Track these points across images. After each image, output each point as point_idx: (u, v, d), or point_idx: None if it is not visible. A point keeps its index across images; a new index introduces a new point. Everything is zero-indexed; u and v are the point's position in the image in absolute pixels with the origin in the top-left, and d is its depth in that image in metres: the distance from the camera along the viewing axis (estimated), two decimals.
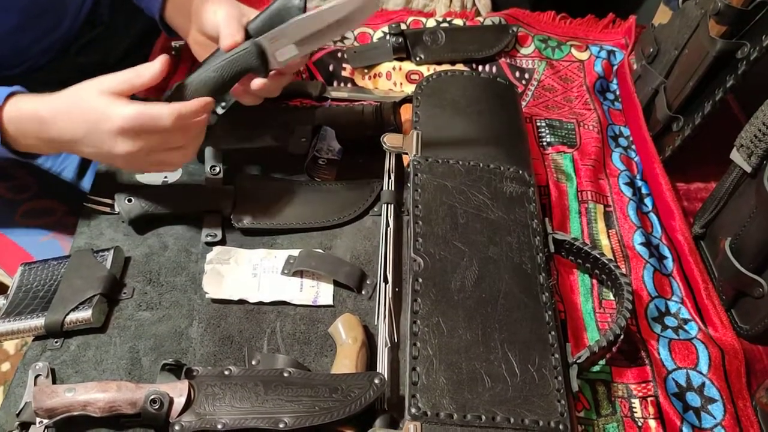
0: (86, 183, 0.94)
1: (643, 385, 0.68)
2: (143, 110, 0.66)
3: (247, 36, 0.73)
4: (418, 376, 0.59)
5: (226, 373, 0.62)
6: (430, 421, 0.56)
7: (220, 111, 0.83)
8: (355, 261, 0.77)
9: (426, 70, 1.00)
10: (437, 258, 0.67)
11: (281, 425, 0.58)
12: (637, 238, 0.82)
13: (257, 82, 0.75)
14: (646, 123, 0.94)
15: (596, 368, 0.69)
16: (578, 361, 0.63)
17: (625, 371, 0.69)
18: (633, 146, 0.96)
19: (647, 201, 0.88)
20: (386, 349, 0.66)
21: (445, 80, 0.88)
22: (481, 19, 1.10)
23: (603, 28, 1.13)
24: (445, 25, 1.07)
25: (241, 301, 0.73)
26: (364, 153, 0.87)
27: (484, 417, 0.57)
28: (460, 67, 1.01)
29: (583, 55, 1.07)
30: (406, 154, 0.79)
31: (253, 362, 0.67)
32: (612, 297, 0.75)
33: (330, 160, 0.88)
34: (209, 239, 0.78)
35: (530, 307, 0.65)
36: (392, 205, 0.79)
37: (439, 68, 0.97)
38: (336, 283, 0.75)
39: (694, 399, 0.68)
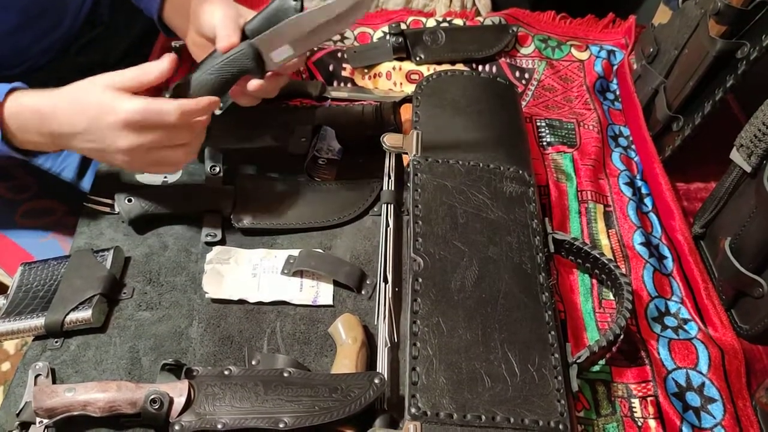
0: (86, 183, 0.94)
1: (643, 384, 0.68)
2: (149, 104, 0.66)
3: (244, 37, 0.73)
4: (417, 376, 0.59)
5: (226, 373, 0.62)
6: (430, 420, 0.56)
7: (218, 112, 0.83)
8: (355, 261, 0.77)
9: (426, 70, 1.00)
10: (437, 258, 0.67)
11: (281, 425, 0.58)
12: (637, 238, 0.82)
13: (254, 84, 0.74)
14: (646, 123, 0.94)
15: (596, 368, 0.69)
16: (578, 360, 0.63)
17: (624, 371, 0.69)
18: (633, 146, 0.96)
19: (647, 201, 0.88)
20: (386, 349, 0.66)
21: (445, 80, 0.88)
22: (481, 18, 1.10)
23: (603, 28, 1.13)
24: (445, 25, 1.07)
25: (241, 301, 0.73)
26: (364, 153, 0.87)
27: (484, 417, 0.57)
28: (460, 67, 1.01)
29: (583, 55, 1.07)
30: (406, 154, 0.79)
31: (253, 362, 0.67)
32: (612, 297, 0.76)
33: (330, 160, 0.88)
34: (209, 239, 0.78)
35: (530, 307, 0.65)
36: (392, 205, 0.79)
37: (439, 68, 0.97)
38: (336, 283, 0.75)
39: (693, 399, 0.68)
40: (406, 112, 0.90)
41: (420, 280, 0.65)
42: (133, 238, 0.79)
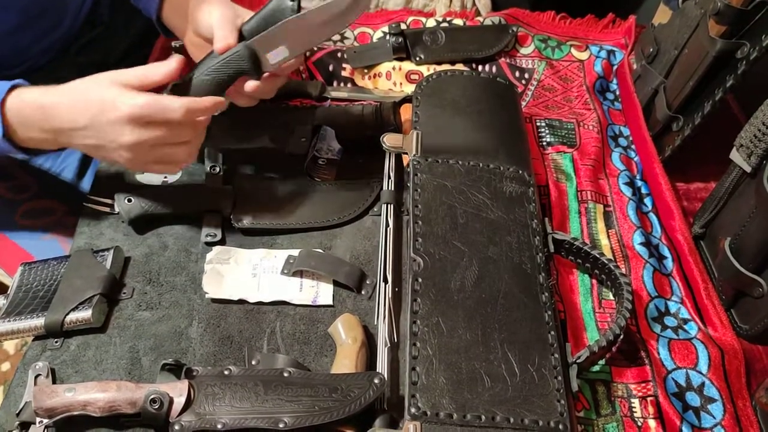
0: (86, 183, 0.94)
1: (643, 384, 0.68)
2: (154, 100, 0.66)
3: (241, 38, 0.72)
4: (417, 375, 0.59)
5: (226, 373, 0.62)
6: (430, 420, 0.56)
7: (216, 112, 0.83)
8: (355, 261, 0.77)
9: (426, 70, 1.00)
10: (437, 258, 0.67)
11: (281, 425, 0.58)
12: (637, 238, 0.82)
13: (250, 85, 0.74)
14: (646, 123, 0.94)
15: (596, 368, 0.69)
16: (578, 360, 0.63)
17: (624, 371, 0.69)
18: (633, 146, 0.96)
19: (647, 201, 0.89)
20: (386, 348, 0.66)
21: (445, 80, 0.88)
22: (481, 18, 1.10)
23: (603, 28, 1.13)
24: (445, 25, 1.07)
25: (241, 301, 0.73)
26: (364, 153, 0.87)
27: (483, 417, 0.57)
28: (460, 67, 1.01)
29: (583, 55, 1.07)
30: (406, 154, 0.79)
31: (253, 362, 0.67)
32: (612, 297, 0.76)
33: (330, 160, 0.88)
34: (209, 239, 0.78)
35: (530, 307, 0.65)
36: (392, 205, 0.79)
37: (439, 68, 0.97)
38: (336, 283, 0.75)
39: (693, 399, 0.68)
40: (406, 112, 0.90)
41: (420, 280, 0.66)
42: (133, 238, 0.79)
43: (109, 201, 0.80)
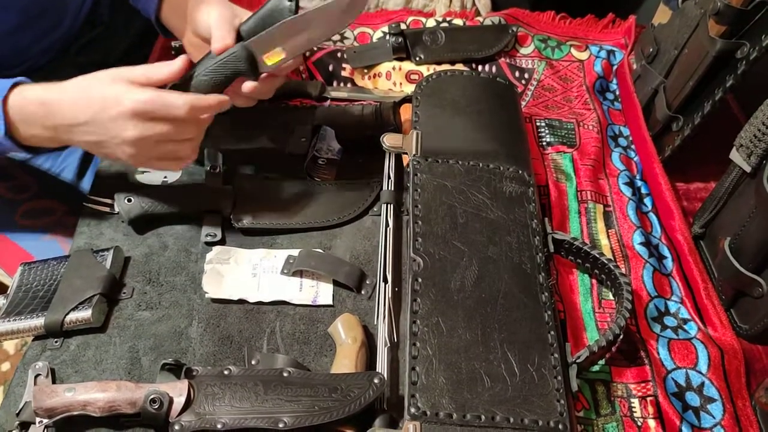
0: (86, 183, 0.94)
1: (643, 384, 0.68)
2: (157, 95, 0.66)
3: (239, 38, 0.72)
4: (417, 375, 0.59)
5: (226, 372, 0.62)
6: (430, 420, 0.56)
7: None
8: (355, 261, 0.77)
9: (426, 70, 1.00)
10: (437, 258, 0.67)
11: (281, 425, 0.58)
12: (637, 238, 0.82)
13: (248, 85, 0.74)
14: (646, 123, 0.94)
15: (596, 368, 0.69)
16: (577, 360, 0.63)
17: (624, 371, 0.69)
18: (632, 146, 0.96)
19: (647, 201, 0.89)
20: (386, 348, 0.66)
21: (445, 80, 0.88)
22: (480, 18, 1.10)
23: (603, 28, 1.13)
24: (445, 25, 1.07)
25: (241, 301, 0.73)
26: (363, 153, 0.87)
27: (483, 417, 0.57)
28: (459, 67, 1.01)
29: (583, 55, 1.07)
30: (406, 154, 0.79)
31: (253, 362, 0.67)
32: (611, 297, 0.76)
33: (330, 160, 0.88)
34: (209, 239, 0.78)
35: (530, 306, 0.65)
36: (392, 205, 0.79)
37: (438, 68, 0.97)
38: (335, 283, 0.75)
39: (693, 398, 0.68)
40: (405, 112, 0.90)
41: (419, 280, 0.66)
42: (132, 238, 0.79)
43: (109, 201, 0.80)
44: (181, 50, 1.02)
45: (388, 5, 1.24)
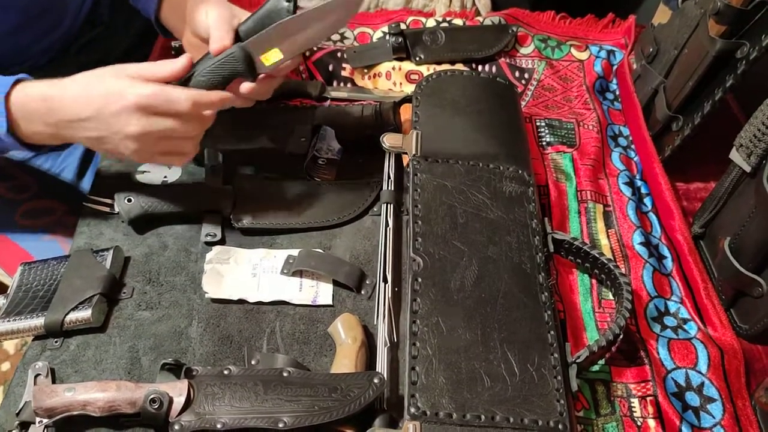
0: (86, 183, 0.94)
1: (643, 384, 0.68)
2: (161, 90, 0.66)
3: (237, 38, 0.72)
4: (417, 375, 0.59)
5: (226, 372, 0.62)
6: (430, 420, 0.56)
7: None
8: (355, 261, 0.77)
9: (426, 69, 1.00)
10: (437, 257, 0.67)
11: (281, 425, 0.58)
12: (637, 238, 0.82)
13: (246, 86, 0.73)
14: (646, 123, 0.94)
15: (595, 368, 0.69)
16: (577, 360, 0.63)
17: (624, 371, 0.69)
18: (632, 146, 0.96)
19: (647, 201, 0.89)
20: (385, 348, 0.66)
21: (445, 80, 0.88)
22: (480, 18, 1.10)
23: (603, 27, 1.13)
24: (445, 24, 1.07)
25: (241, 301, 0.73)
26: (363, 153, 0.87)
27: (483, 416, 0.57)
28: (459, 66, 1.01)
29: (583, 55, 1.07)
30: (406, 153, 0.79)
31: (253, 362, 0.67)
32: (611, 297, 0.76)
33: (330, 160, 0.88)
34: (209, 239, 0.78)
35: (529, 306, 0.65)
36: (392, 205, 0.79)
37: (438, 68, 0.97)
38: (335, 283, 0.75)
39: (693, 398, 0.68)
40: (405, 112, 0.90)
41: (419, 279, 0.66)
42: (132, 238, 0.79)
43: (109, 201, 0.80)
44: (180, 50, 1.02)
45: (388, 5, 1.24)
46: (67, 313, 0.68)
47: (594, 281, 0.77)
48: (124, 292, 0.73)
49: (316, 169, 0.87)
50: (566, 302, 0.75)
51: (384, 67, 1.01)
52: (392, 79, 1.01)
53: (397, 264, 0.75)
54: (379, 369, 0.65)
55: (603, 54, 1.07)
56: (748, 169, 0.72)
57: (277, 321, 0.72)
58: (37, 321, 0.68)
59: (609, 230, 0.84)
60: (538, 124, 0.97)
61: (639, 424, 0.65)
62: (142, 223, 0.79)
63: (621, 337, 0.66)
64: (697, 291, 0.77)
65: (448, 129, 0.82)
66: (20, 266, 0.75)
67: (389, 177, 0.82)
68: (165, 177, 0.85)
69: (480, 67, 1.03)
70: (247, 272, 0.75)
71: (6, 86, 0.68)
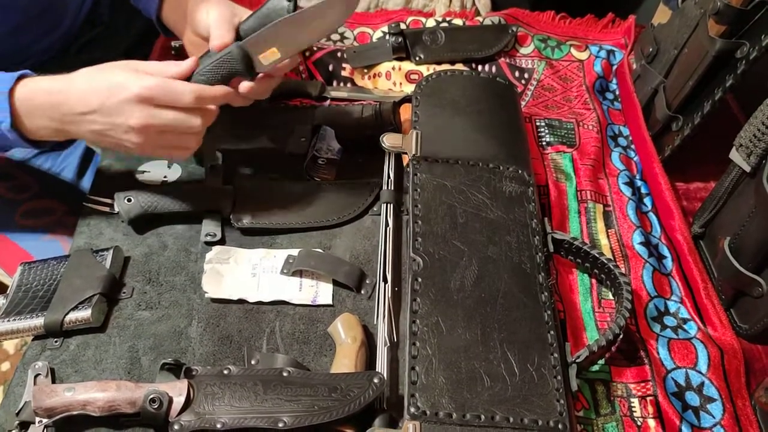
0: (86, 183, 0.94)
1: (643, 384, 0.68)
2: (164, 82, 0.66)
3: (238, 37, 0.72)
4: (417, 375, 0.59)
5: (226, 372, 0.62)
6: (429, 420, 0.56)
7: None
8: (355, 260, 0.77)
9: (425, 69, 1.00)
10: (436, 257, 0.67)
11: (280, 425, 0.58)
12: (637, 238, 0.82)
13: (244, 85, 0.73)
14: (646, 123, 0.94)
15: (595, 368, 0.69)
16: (577, 360, 0.63)
17: (624, 371, 0.69)
18: (632, 146, 0.96)
19: (646, 200, 0.89)
20: (385, 348, 0.66)
21: (445, 80, 0.88)
22: (480, 18, 1.10)
23: (602, 27, 1.13)
24: (445, 24, 1.07)
25: (241, 301, 0.73)
26: (363, 153, 0.87)
27: (483, 416, 0.57)
28: (459, 66, 1.01)
29: (583, 55, 1.07)
30: (406, 153, 0.79)
31: (253, 362, 0.67)
32: (611, 296, 0.76)
33: (329, 160, 0.88)
34: (208, 239, 0.78)
35: (529, 306, 0.65)
36: (392, 205, 0.79)
37: (438, 68, 0.97)
38: (335, 283, 0.75)
39: (693, 398, 0.68)
40: (405, 112, 0.90)
41: (419, 279, 0.66)
42: (132, 238, 0.79)
43: (109, 201, 0.80)
44: (181, 50, 1.02)
45: (388, 5, 1.24)
46: (67, 313, 0.68)
47: (594, 281, 0.77)
48: (124, 292, 0.73)
49: (316, 169, 0.87)
50: (566, 302, 0.75)
51: (384, 67, 1.01)
52: (392, 79, 1.01)
53: (397, 264, 0.75)
54: (378, 369, 0.65)
55: (603, 54, 1.07)
56: (747, 168, 0.72)
57: (277, 321, 0.72)
58: (37, 321, 0.68)
59: (609, 230, 0.84)
60: (538, 124, 0.97)
61: (639, 423, 0.65)
62: (141, 223, 0.79)
63: (621, 336, 0.66)
64: (697, 291, 0.77)
65: (448, 129, 0.82)
66: (20, 266, 0.75)
67: (389, 177, 0.82)
68: (165, 177, 0.85)
69: (480, 67, 1.03)
70: (246, 272, 0.75)
71: (9, 82, 0.68)
